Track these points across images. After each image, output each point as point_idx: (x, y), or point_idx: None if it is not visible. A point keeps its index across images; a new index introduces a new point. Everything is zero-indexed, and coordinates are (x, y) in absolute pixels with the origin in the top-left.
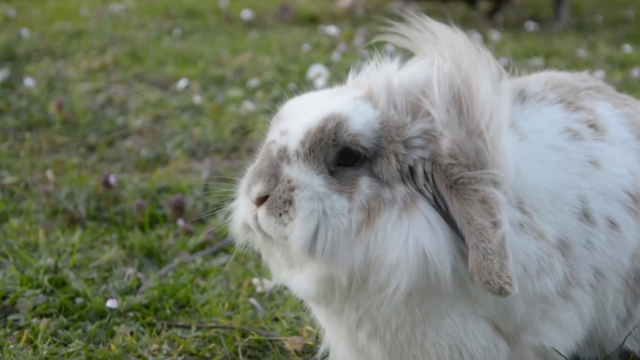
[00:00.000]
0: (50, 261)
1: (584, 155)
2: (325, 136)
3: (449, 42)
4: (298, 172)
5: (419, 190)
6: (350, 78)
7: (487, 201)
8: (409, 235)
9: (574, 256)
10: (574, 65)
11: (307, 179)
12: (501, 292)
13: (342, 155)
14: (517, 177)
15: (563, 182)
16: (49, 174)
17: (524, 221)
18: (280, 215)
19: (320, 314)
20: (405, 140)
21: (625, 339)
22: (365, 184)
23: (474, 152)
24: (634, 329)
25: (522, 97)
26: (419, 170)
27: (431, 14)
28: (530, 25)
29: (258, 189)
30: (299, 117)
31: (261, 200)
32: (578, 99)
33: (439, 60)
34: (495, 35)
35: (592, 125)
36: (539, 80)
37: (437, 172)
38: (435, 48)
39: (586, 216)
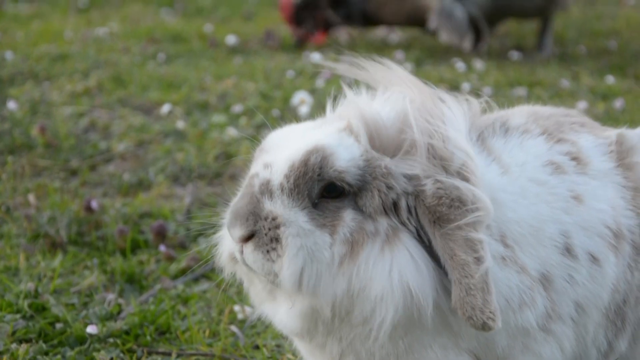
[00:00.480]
0: (30, 286)
1: (567, 189)
2: (309, 170)
3: (407, 78)
4: (282, 209)
5: (402, 223)
6: (329, 109)
7: (470, 238)
8: (393, 269)
9: (555, 290)
10: (557, 95)
11: (292, 216)
12: (484, 327)
13: (326, 189)
14: (499, 210)
15: (545, 216)
16: (31, 198)
17: (507, 255)
18: (268, 252)
19: (302, 347)
20: (389, 178)
21: None
22: (349, 216)
23: (454, 190)
24: None
25: (504, 128)
26: (402, 204)
27: (415, 42)
28: (514, 55)
29: (239, 233)
30: (282, 150)
31: (245, 239)
32: (561, 132)
33: (409, 94)
34: (478, 65)
35: (575, 158)
36: (521, 112)
37: (421, 207)
38: (397, 83)
39: (568, 251)
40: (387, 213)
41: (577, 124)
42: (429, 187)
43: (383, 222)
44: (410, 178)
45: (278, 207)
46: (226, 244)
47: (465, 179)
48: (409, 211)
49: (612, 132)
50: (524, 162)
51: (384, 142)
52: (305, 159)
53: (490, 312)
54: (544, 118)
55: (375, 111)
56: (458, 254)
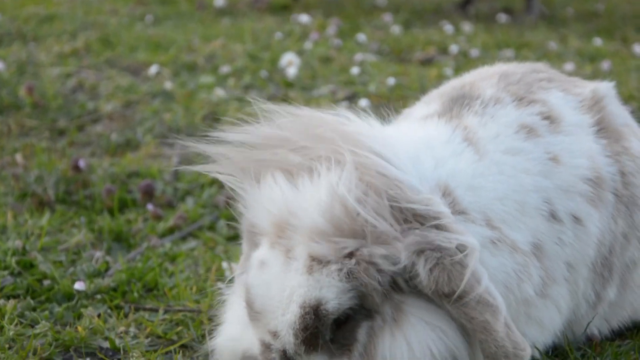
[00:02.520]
0: (18, 243)
1: (543, 152)
2: (311, 328)
3: (326, 134)
4: None
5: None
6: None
7: (480, 297)
8: (412, 347)
9: (547, 256)
10: (544, 57)
11: None
12: (517, 359)
13: (334, 323)
14: (480, 195)
15: (527, 185)
16: (18, 157)
17: (495, 237)
18: None
19: None
20: (376, 275)
21: (588, 324)
22: (362, 333)
23: (446, 258)
24: (593, 317)
25: (482, 105)
26: (401, 282)
27: (403, 4)
28: (502, 17)
29: None
30: (277, 313)
31: None
32: (531, 93)
33: (338, 173)
34: (467, 27)
35: (547, 117)
36: (490, 80)
37: (420, 287)
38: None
39: (553, 216)
40: (389, 294)
41: (545, 80)
42: (421, 270)
43: (387, 309)
44: (399, 266)
45: None
46: (237, 339)
47: (439, 224)
48: (409, 284)
49: (584, 89)
50: (497, 134)
51: (346, 246)
52: (303, 324)
53: (521, 349)
54: (513, 83)
55: (313, 216)
56: (475, 317)
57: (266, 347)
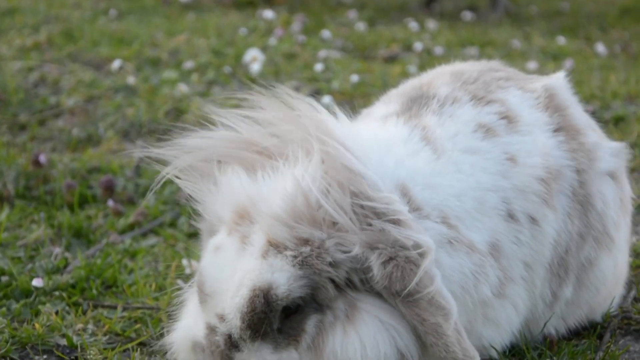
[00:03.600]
0: None
1: (501, 152)
2: (259, 313)
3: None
4: (251, 355)
5: (362, 291)
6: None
7: (432, 299)
8: (365, 345)
9: (505, 255)
10: (508, 55)
11: (260, 356)
12: None
13: (284, 312)
14: (437, 193)
15: (485, 184)
16: None
17: (452, 236)
18: None
19: None
20: (330, 265)
21: (545, 323)
22: (311, 324)
23: (400, 255)
24: (551, 316)
25: (439, 104)
26: (356, 279)
27: (369, 1)
28: (467, 15)
29: None
30: (226, 296)
31: None
32: (489, 92)
33: (305, 165)
34: (431, 25)
35: (505, 117)
36: (447, 79)
37: (373, 283)
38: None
39: (511, 216)
40: (343, 291)
41: (502, 79)
42: (374, 264)
43: (340, 305)
44: (351, 256)
45: (246, 355)
46: (188, 328)
47: (397, 222)
48: (364, 283)
49: (537, 84)
50: (456, 133)
51: (308, 235)
52: (251, 307)
53: (470, 357)
54: (470, 82)
55: (277, 205)
56: (427, 319)
57: (211, 330)
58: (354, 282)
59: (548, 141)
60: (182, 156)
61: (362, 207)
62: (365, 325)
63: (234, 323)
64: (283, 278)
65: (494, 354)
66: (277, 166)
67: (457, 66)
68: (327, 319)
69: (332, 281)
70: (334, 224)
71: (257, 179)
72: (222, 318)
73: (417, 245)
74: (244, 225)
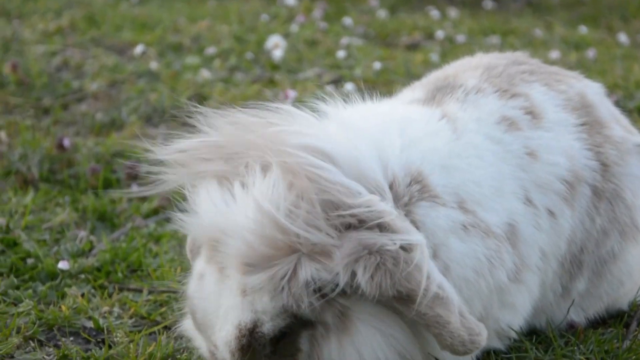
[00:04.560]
0: (1, 221)
1: (522, 146)
2: (247, 346)
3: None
4: None
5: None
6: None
7: (428, 295)
8: (362, 354)
9: (523, 240)
10: (529, 44)
11: None
12: (475, 347)
13: (272, 342)
14: (454, 176)
15: (505, 173)
16: (2, 135)
17: (468, 222)
18: None
19: None
20: (313, 292)
21: (568, 311)
22: (304, 342)
23: (377, 250)
24: (570, 306)
25: (464, 92)
26: (347, 289)
27: None
28: (488, 4)
29: None
30: (214, 327)
31: None
32: (513, 85)
33: (265, 185)
34: (453, 13)
35: (529, 112)
36: (473, 71)
37: (366, 293)
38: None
39: (529, 201)
40: (332, 300)
41: (527, 72)
42: (361, 279)
43: (329, 316)
44: (334, 278)
45: None
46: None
47: (381, 226)
48: (353, 289)
49: (569, 87)
50: (479, 118)
51: (281, 250)
52: (238, 343)
53: (476, 334)
54: (495, 76)
55: (247, 239)
56: (427, 313)
57: (212, 354)
58: (344, 289)
59: (572, 142)
60: (161, 169)
61: (339, 216)
62: (360, 335)
63: (225, 355)
64: (266, 316)
65: (513, 334)
66: (244, 180)
67: (482, 59)
68: (319, 333)
69: (317, 307)
70: (309, 243)
71: (228, 197)
72: (215, 347)
73: (406, 246)
74: (219, 254)
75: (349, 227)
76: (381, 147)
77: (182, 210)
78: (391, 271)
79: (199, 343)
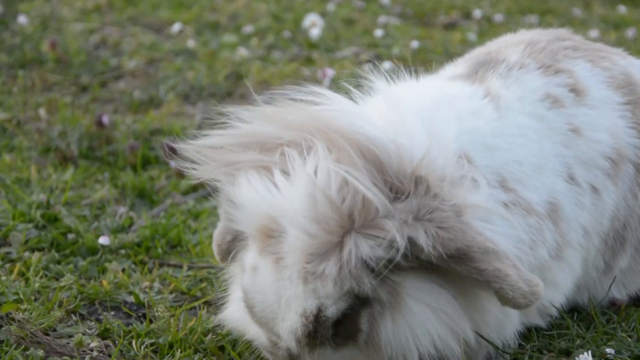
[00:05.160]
0: (42, 197)
1: (565, 123)
2: (312, 332)
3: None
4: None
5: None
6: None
7: (484, 250)
8: (414, 331)
9: (564, 218)
10: (568, 23)
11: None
12: (536, 298)
13: (334, 324)
14: (495, 156)
15: (547, 151)
16: (42, 112)
17: (509, 200)
18: None
19: None
20: (370, 270)
21: (609, 288)
22: (364, 322)
23: (433, 211)
24: (612, 283)
25: (507, 68)
26: (399, 260)
27: None
28: None
29: None
30: (276, 318)
31: None
32: (556, 61)
33: (313, 163)
34: None
35: (573, 90)
36: (516, 46)
37: (419, 258)
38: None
39: (572, 179)
40: (385, 277)
41: (570, 48)
42: (419, 238)
43: (383, 292)
44: (391, 242)
45: None
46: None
47: (434, 190)
48: (408, 259)
49: (613, 65)
50: (522, 97)
51: (337, 223)
52: (304, 330)
53: (535, 285)
54: (538, 51)
55: (301, 218)
56: (485, 268)
57: (274, 343)
58: (398, 263)
59: (616, 119)
60: (202, 155)
61: (388, 182)
62: (411, 311)
63: (290, 343)
64: (330, 300)
65: (554, 311)
66: (288, 161)
67: (525, 34)
68: (376, 310)
69: (376, 284)
70: (363, 212)
71: (272, 185)
72: (278, 336)
73: (456, 206)
74: (273, 244)
75: (399, 194)
76: (429, 130)
77: (224, 202)
78: (448, 230)
79: (254, 334)
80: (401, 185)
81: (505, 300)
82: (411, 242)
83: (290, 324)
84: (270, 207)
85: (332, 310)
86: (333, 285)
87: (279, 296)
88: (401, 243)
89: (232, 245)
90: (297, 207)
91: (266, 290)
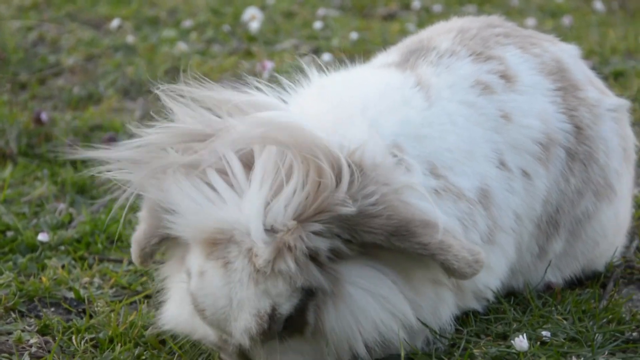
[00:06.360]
0: None
1: (496, 109)
2: (265, 329)
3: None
4: (262, 355)
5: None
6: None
7: (425, 224)
8: (356, 316)
9: (496, 204)
10: (506, 13)
11: (271, 352)
12: (480, 265)
13: (287, 321)
14: (425, 145)
15: (478, 137)
16: None
17: (439, 186)
18: None
19: None
20: (314, 260)
21: (545, 271)
22: (311, 315)
23: (380, 185)
24: (547, 267)
25: (438, 55)
26: (340, 247)
27: None
28: None
29: None
30: (228, 319)
31: None
32: (487, 48)
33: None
34: None
35: (503, 76)
36: (447, 34)
37: (364, 243)
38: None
39: (503, 164)
40: (325, 266)
41: (501, 35)
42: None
43: (325, 281)
44: (341, 216)
45: (259, 355)
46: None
47: (377, 170)
48: (348, 244)
49: (544, 52)
50: (452, 84)
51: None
52: (260, 329)
53: (477, 253)
54: (469, 38)
55: (251, 229)
56: (429, 242)
57: (224, 341)
58: (338, 250)
59: (546, 105)
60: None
61: (327, 170)
62: (352, 299)
63: (243, 341)
64: (282, 298)
65: (490, 295)
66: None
67: (456, 22)
68: (320, 299)
69: (315, 263)
70: (310, 203)
71: (213, 195)
72: (231, 335)
73: (394, 186)
74: (220, 250)
75: (338, 181)
76: (361, 120)
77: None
78: (388, 207)
79: (202, 334)
80: (339, 173)
81: (451, 271)
82: (354, 225)
83: (244, 323)
84: (217, 219)
85: (285, 308)
86: (284, 283)
87: (229, 299)
88: (343, 229)
89: (157, 248)
90: (248, 217)
91: (216, 294)
